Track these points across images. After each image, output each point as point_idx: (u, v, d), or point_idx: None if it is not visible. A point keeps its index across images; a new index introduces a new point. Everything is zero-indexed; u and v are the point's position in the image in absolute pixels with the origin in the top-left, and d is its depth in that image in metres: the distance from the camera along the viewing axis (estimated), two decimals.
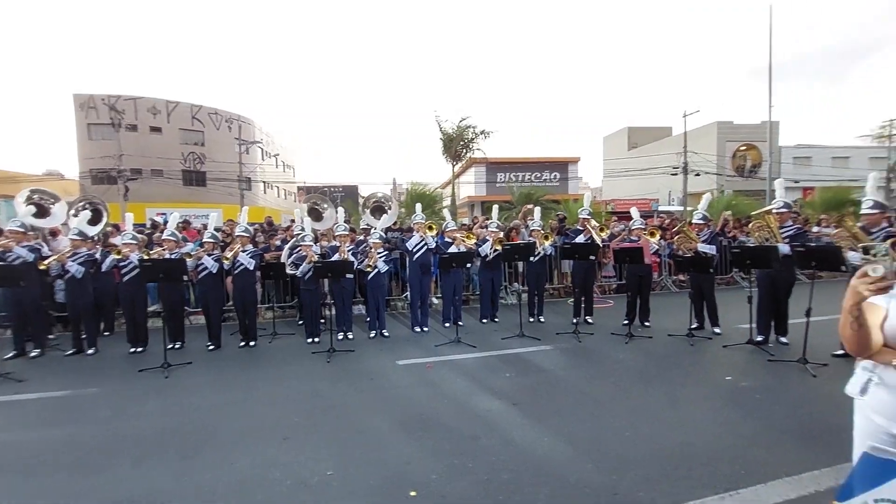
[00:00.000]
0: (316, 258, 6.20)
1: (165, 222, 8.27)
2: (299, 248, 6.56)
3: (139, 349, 6.16)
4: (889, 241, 4.55)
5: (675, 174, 28.89)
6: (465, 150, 19.09)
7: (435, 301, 8.83)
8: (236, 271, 6.36)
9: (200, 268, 6.23)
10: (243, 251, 6.30)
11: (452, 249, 6.91)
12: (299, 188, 45.56)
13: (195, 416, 4.02)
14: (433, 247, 6.91)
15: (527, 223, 10.14)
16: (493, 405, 4.07)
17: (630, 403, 4.05)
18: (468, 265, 7.18)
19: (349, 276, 6.36)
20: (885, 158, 29.02)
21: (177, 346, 6.25)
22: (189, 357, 5.76)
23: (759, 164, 32.00)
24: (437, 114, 18.82)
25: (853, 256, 4.81)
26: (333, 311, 6.59)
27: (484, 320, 7.42)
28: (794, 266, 5.76)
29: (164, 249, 6.32)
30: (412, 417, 3.85)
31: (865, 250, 1.53)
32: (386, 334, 6.65)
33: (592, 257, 6.88)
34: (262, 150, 38.67)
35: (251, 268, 6.35)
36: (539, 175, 29.70)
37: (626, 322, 6.73)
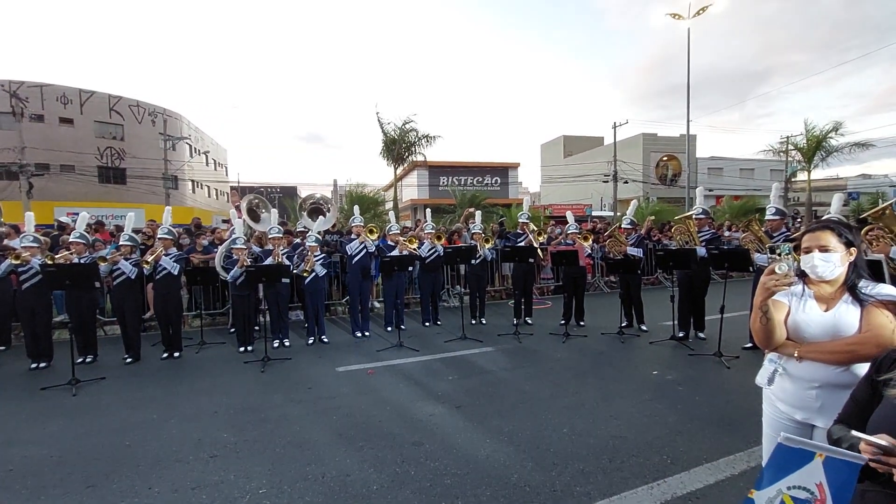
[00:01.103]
0: (248, 262, 5.86)
1: (75, 223, 7.47)
2: (233, 251, 6.17)
3: (42, 364, 5.49)
4: (793, 244, 5.11)
5: (607, 181, 30.62)
6: (407, 154, 18.90)
7: (377, 305, 8.69)
8: (158, 276, 5.87)
9: (117, 273, 5.67)
10: (166, 255, 5.82)
11: (395, 253, 6.83)
12: (232, 188, 43.13)
13: (106, 438, 3.62)
14: (373, 250, 6.79)
15: (468, 226, 10.29)
16: (437, 409, 4.04)
17: (567, 401, 4.19)
18: (410, 268, 7.12)
19: (285, 280, 6.08)
20: (782, 171, 32.61)
21: (88, 361, 5.64)
22: (102, 372, 5.21)
23: (679, 173, 34.76)
24: (378, 112, 18.24)
25: (760, 258, 5.33)
26: (268, 318, 6.27)
27: (426, 323, 7.40)
28: (710, 267, 6.28)
29: (71, 253, 5.69)
30: (353, 427, 3.73)
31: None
32: (325, 340, 6.43)
33: (532, 260, 7.09)
34: (190, 146, 36.17)
35: (175, 273, 5.87)
36: (481, 179, 30.31)
37: (562, 322, 6.99)
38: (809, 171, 23.49)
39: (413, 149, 18.67)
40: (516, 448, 3.32)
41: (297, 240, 7.58)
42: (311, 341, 6.37)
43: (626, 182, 30.46)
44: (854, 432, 1.18)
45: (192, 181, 36.83)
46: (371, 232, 6.86)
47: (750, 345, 5.56)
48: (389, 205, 20.92)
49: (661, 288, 10.64)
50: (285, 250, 6.49)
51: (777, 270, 1.63)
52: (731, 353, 5.33)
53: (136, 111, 32.66)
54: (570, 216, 7.90)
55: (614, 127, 30.10)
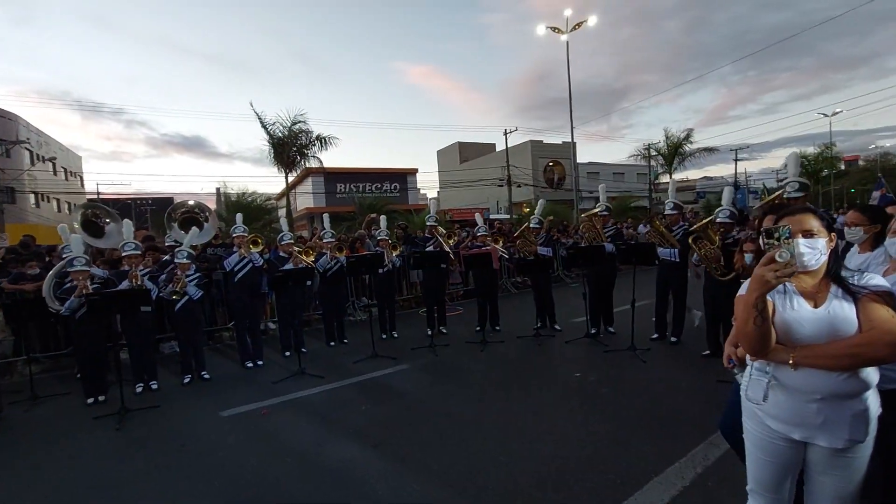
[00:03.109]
0: (90, 289, 4.57)
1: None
2: (69, 277, 4.78)
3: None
4: (691, 238, 5.34)
5: (501, 185, 31.88)
6: (300, 158, 17.35)
7: (271, 327, 7.62)
8: None
9: None
10: None
11: (289, 266, 5.95)
12: (90, 201, 36.58)
13: None
14: (260, 264, 5.84)
15: (371, 233, 9.61)
16: (349, 451, 3.37)
17: (496, 419, 3.79)
18: (308, 282, 6.27)
19: (146, 308, 4.87)
20: (646, 175, 36.93)
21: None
22: None
23: (564, 177, 37.57)
24: (260, 111, 16.18)
25: (662, 251, 5.53)
26: (127, 356, 4.99)
27: (331, 343, 6.59)
28: (616, 262, 6.44)
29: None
30: (242, 489, 2.91)
31: (768, 234, 1.36)
32: (206, 377, 5.30)
33: (444, 265, 6.68)
34: (30, 151, 29.93)
35: None
36: (379, 186, 29.55)
37: (478, 328, 6.69)
38: (671, 173, 26.69)
39: (306, 152, 17.23)
40: (450, 489, 2.81)
41: (167, 256, 6.29)
42: (187, 380, 5.21)
43: (519, 186, 32.02)
44: None
45: (36, 193, 30.57)
46: (255, 244, 5.88)
47: (708, 352, 5.12)
48: (281, 213, 19.25)
49: (562, 285, 10.96)
50: (146, 270, 5.25)
51: (778, 258, 1.32)
52: (642, 346, 5.43)
53: None
54: (478, 218, 7.68)
55: (505, 133, 31.47)
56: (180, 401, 4.70)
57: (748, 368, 1.68)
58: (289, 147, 16.48)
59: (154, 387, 5.05)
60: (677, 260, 5.58)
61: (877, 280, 1.47)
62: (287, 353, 6.09)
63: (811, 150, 34.30)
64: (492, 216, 29.03)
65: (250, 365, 5.71)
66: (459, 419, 3.84)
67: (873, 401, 1.47)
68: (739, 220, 5.99)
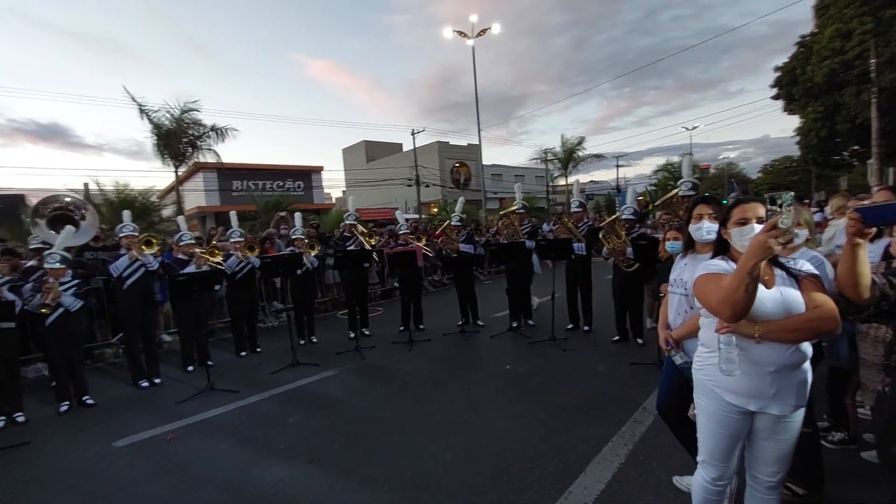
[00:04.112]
0: None
1: None
2: None
3: None
4: (601, 234, 5.77)
5: (410, 185, 31.91)
6: (192, 150, 15.49)
7: (167, 339, 6.73)
8: None
9: None
10: None
11: (191, 269, 5.29)
12: None
13: None
14: (155, 267, 5.13)
15: (281, 232, 8.98)
16: (282, 471, 3.06)
17: (438, 419, 3.73)
18: (217, 287, 5.64)
19: (6, 324, 3.99)
20: (543, 177, 39.62)
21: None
22: None
23: (470, 178, 38.81)
24: (138, 97, 14.06)
25: (577, 246, 5.91)
26: None
27: (242, 353, 6.00)
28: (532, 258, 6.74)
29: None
30: None
31: (772, 201, 1.45)
32: (90, 402, 4.49)
33: (367, 265, 6.45)
34: None
35: None
36: (281, 184, 27.80)
37: (402, 328, 6.58)
38: (566, 176, 28.89)
39: (199, 144, 15.46)
40: (402, 496, 2.68)
41: (31, 262, 5.22)
42: (64, 408, 4.36)
43: (427, 186, 32.33)
44: None
45: None
46: (148, 245, 5.14)
47: (617, 338, 5.58)
48: (167, 212, 17.14)
49: (477, 282, 11.23)
50: (5, 279, 4.30)
51: (781, 225, 1.37)
52: (560, 336, 5.75)
53: None
54: (399, 215, 7.56)
55: (413, 133, 31.59)
56: (60, 433, 3.92)
57: (716, 344, 1.75)
58: (178, 138, 14.67)
59: (20, 419, 4.15)
60: (584, 253, 6.02)
61: (808, 266, 1.69)
62: (190, 368, 5.43)
63: (676, 158, 39.60)
64: (404, 215, 28.96)
65: (145, 384, 4.97)
66: (399, 423, 3.71)
67: (809, 369, 1.68)
68: (640, 218, 6.64)
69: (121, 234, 5.10)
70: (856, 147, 21.58)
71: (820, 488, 2.40)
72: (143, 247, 5.07)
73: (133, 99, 14.31)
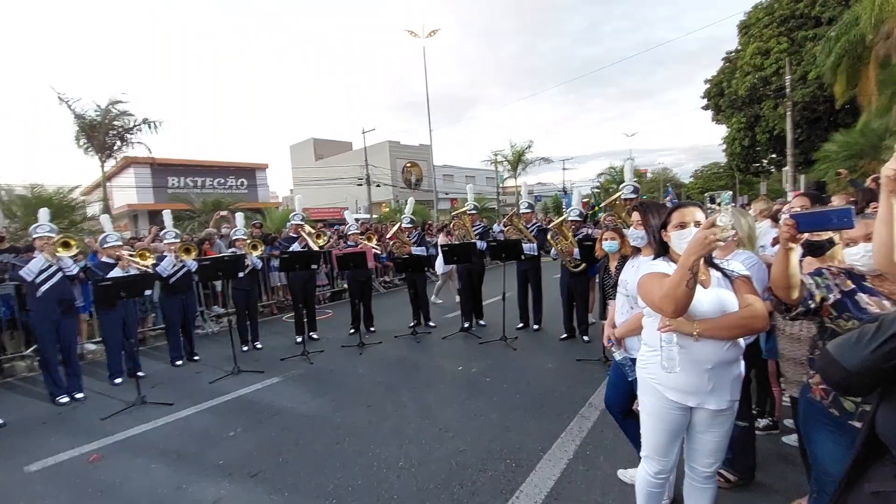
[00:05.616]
0: None
1: None
2: None
3: None
4: (549, 235, 5.91)
5: (361, 185, 31.36)
6: (121, 143, 14.28)
7: (90, 348, 6.16)
8: None
9: None
10: None
11: (117, 273, 4.86)
12: None
13: None
14: (75, 272, 4.68)
15: (221, 232, 8.51)
16: (222, 489, 2.86)
17: (390, 424, 3.65)
18: (147, 292, 5.23)
19: None
20: (494, 178, 40.34)
21: None
22: None
23: (421, 178, 38.76)
24: (60, 92, 12.87)
25: (528, 247, 6.02)
26: None
27: (177, 362, 5.59)
28: (485, 258, 6.81)
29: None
30: None
31: (712, 199, 1.50)
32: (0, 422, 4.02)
33: (314, 266, 6.23)
34: None
35: None
36: (223, 181, 26.40)
37: (352, 331, 6.42)
38: (516, 177, 29.60)
39: (129, 137, 14.31)
40: None
41: None
42: None
43: (378, 185, 31.94)
44: None
45: None
46: (65, 247, 4.67)
47: (565, 335, 5.74)
48: (93, 210, 15.74)
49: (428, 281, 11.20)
50: None
51: (719, 223, 1.42)
52: (510, 335, 5.83)
53: None
54: (348, 216, 7.38)
55: (363, 132, 31.06)
56: None
57: (658, 342, 1.79)
58: (104, 131, 13.49)
59: None
60: (536, 253, 6.15)
61: (740, 267, 1.78)
62: (118, 381, 5.00)
63: (618, 163, 41.57)
64: (354, 216, 28.40)
65: (65, 400, 4.51)
66: (350, 430, 3.58)
67: (742, 366, 1.77)
68: (585, 219, 6.88)
69: (34, 236, 4.61)
70: (773, 155, 23.65)
71: (752, 475, 2.56)
72: (60, 249, 4.60)
73: (52, 88, 13.06)
